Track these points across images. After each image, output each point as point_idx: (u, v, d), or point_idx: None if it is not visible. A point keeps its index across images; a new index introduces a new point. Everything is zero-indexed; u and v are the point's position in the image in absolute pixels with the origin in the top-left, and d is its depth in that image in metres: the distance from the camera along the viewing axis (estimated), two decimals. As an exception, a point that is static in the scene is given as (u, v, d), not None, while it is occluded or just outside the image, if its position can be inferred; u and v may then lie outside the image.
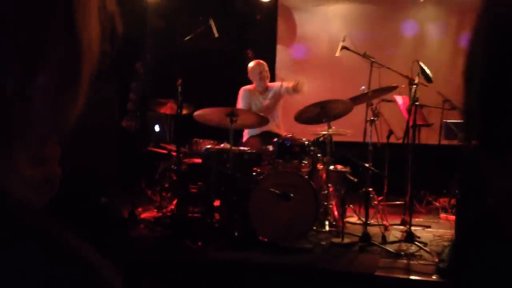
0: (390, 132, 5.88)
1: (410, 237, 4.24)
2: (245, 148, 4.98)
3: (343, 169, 5.00)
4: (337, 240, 4.45)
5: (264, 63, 5.73)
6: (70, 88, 0.53)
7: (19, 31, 0.48)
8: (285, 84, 5.63)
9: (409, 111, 4.82)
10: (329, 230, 4.64)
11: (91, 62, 0.55)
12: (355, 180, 4.92)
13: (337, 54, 5.48)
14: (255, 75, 5.64)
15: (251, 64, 5.73)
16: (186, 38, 5.77)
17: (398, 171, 5.28)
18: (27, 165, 0.51)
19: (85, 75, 0.54)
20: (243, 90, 5.71)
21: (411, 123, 4.86)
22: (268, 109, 5.61)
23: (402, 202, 5.47)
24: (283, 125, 5.77)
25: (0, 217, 0.46)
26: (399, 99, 5.52)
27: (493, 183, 0.50)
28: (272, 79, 7.26)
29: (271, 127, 5.51)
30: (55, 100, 0.52)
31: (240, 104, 5.65)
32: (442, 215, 5.62)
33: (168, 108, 5.40)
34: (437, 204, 6.08)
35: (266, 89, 5.71)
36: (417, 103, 4.80)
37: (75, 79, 0.53)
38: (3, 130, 0.50)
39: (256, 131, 5.59)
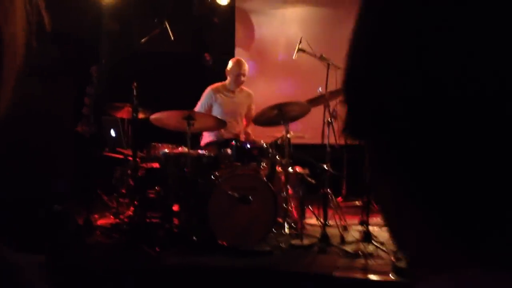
0: (348, 134, 5.94)
1: (367, 237, 4.29)
2: (203, 152, 4.94)
3: (302, 171, 5.02)
4: (296, 242, 4.47)
5: (244, 65, 5.61)
6: None
7: None
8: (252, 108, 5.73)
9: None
10: (289, 232, 4.64)
11: (15, 58, 0.53)
12: (314, 182, 4.95)
13: (294, 56, 5.51)
14: (232, 74, 5.56)
15: (232, 61, 5.66)
16: (142, 41, 5.69)
17: (357, 172, 5.34)
18: None
19: (8, 72, 0.52)
20: (209, 89, 5.66)
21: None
22: (237, 107, 5.63)
23: (361, 203, 5.54)
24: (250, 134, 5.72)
25: None
26: (356, 101, 5.58)
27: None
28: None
29: (232, 134, 5.47)
30: None
31: (199, 103, 5.61)
32: (399, 214, 5.70)
33: (125, 112, 5.31)
34: (395, 203, 6.17)
35: (239, 90, 5.68)
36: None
37: None
38: None
39: (216, 137, 5.53)
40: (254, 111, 5.63)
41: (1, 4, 0.51)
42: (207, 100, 5.60)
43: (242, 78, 5.57)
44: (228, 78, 5.61)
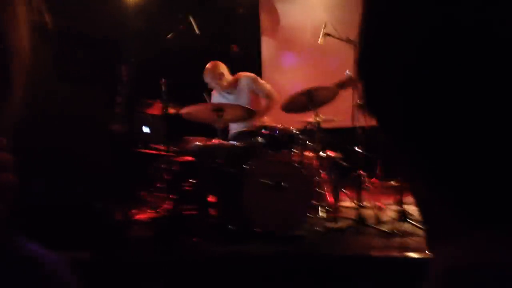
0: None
1: (403, 216, 4.27)
2: (234, 142, 4.99)
3: (334, 155, 5.01)
4: (332, 225, 4.48)
5: (212, 66, 5.45)
6: (1, 93, 0.54)
7: None
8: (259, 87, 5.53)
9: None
10: (324, 216, 4.66)
11: (22, 63, 0.56)
12: (347, 165, 4.94)
13: (320, 41, 5.49)
14: (208, 84, 5.53)
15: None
16: (168, 37, 5.77)
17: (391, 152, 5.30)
18: None
19: (17, 77, 0.56)
20: (213, 92, 5.69)
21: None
22: (238, 102, 5.44)
23: (396, 183, 5.50)
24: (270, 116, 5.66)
25: None
26: (385, 81, 5.52)
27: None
28: (259, 71, 7.27)
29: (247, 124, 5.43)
30: None
31: None
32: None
33: (155, 109, 5.41)
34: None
35: (230, 85, 5.53)
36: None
37: (6, 83, 0.55)
38: None
39: (237, 128, 5.54)
40: (265, 91, 5.52)
41: (4, 12, 0.54)
42: (209, 100, 5.62)
43: (213, 81, 5.44)
44: None
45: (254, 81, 5.55)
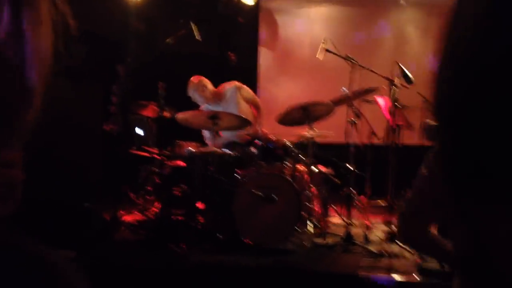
0: (372, 133, 5.94)
1: (391, 237, 4.29)
2: (227, 150, 4.99)
3: (326, 171, 5.03)
4: (320, 240, 4.49)
5: (195, 79, 5.50)
6: (21, 95, 0.53)
7: None
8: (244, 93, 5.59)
9: (390, 112, 4.88)
10: (312, 231, 4.66)
11: (45, 66, 0.55)
12: (338, 181, 4.96)
13: (319, 56, 5.51)
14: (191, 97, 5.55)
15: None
16: (166, 40, 5.76)
17: (381, 171, 5.33)
18: None
19: (37, 81, 0.55)
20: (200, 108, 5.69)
21: (392, 124, 4.91)
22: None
23: (385, 202, 5.52)
24: (261, 126, 5.63)
25: None
26: (380, 100, 5.56)
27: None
28: (254, 82, 7.29)
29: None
30: (6, 108, 0.52)
31: None
32: (424, 214, 5.65)
33: (150, 111, 5.39)
34: (419, 203, 6.11)
35: (214, 97, 5.55)
36: (397, 103, 4.86)
37: (25, 85, 0.53)
38: None
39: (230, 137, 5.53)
40: (252, 98, 5.61)
41: (31, 18, 0.53)
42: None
43: (197, 96, 5.48)
44: None
45: (239, 88, 5.59)
